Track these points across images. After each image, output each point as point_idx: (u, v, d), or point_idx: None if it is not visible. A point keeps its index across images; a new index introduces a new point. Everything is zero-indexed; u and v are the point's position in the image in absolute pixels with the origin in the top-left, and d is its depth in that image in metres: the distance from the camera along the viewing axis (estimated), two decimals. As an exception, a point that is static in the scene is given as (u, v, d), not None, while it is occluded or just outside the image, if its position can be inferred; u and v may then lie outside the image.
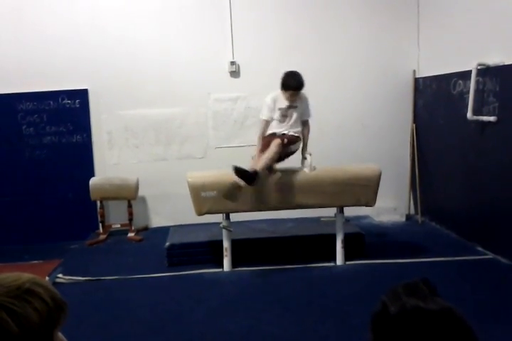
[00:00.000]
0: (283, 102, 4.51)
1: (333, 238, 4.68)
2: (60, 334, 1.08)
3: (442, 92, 5.62)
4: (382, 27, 6.20)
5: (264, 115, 4.54)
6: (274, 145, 4.34)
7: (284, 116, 4.53)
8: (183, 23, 6.04)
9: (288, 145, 4.48)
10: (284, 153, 4.51)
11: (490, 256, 4.76)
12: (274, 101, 4.52)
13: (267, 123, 4.56)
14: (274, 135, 4.53)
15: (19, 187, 5.94)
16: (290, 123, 4.54)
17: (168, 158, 6.18)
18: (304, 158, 4.64)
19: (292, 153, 4.62)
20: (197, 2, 6.06)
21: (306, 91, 6.11)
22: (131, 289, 4.33)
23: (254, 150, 4.57)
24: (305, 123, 4.66)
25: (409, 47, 6.24)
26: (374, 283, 4.13)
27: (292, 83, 4.41)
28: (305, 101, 4.61)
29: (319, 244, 4.86)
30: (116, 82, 5.98)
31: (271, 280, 4.39)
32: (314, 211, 5.13)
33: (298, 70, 6.09)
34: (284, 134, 4.52)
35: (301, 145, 4.67)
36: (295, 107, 4.53)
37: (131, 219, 5.94)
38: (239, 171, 4.20)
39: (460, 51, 5.26)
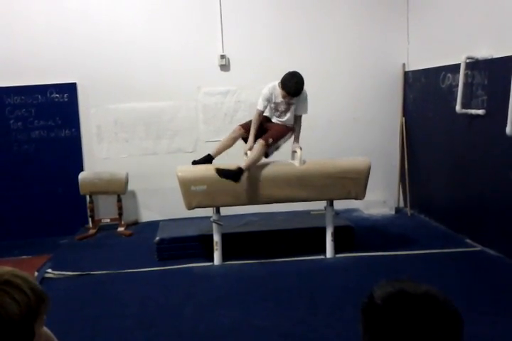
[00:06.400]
0: (279, 97, 4.49)
1: (323, 231, 4.70)
2: (45, 328, 1.07)
3: (431, 86, 5.64)
4: (372, 21, 6.20)
5: (260, 105, 4.53)
6: (258, 147, 4.38)
7: (280, 111, 4.57)
8: (173, 16, 5.99)
9: (275, 143, 4.52)
10: (273, 148, 4.57)
11: (478, 248, 4.80)
12: (271, 93, 4.50)
13: (261, 113, 4.56)
14: (269, 121, 4.58)
15: (7, 182, 5.89)
16: (285, 118, 4.59)
17: (158, 152, 6.16)
18: (293, 151, 4.65)
19: (279, 147, 4.67)
20: (186, -5, 6.03)
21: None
22: (121, 283, 4.32)
23: (246, 147, 4.56)
24: (297, 119, 4.65)
25: (398, 40, 6.25)
26: (363, 275, 4.16)
27: (290, 88, 4.36)
28: (303, 97, 4.54)
29: (309, 237, 4.88)
30: (105, 76, 5.93)
31: (261, 273, 4.40)
32: (304, 204, 5.14)
33: (287, 62, 6.12)
34: (272, 127, 4.55)
35: (289, 139, 4.70)
36: (292, 103, 4.54)
37: (120, 214, 5.92)
38: (222, 173, 4.30)
39: (449, 45, 5.27)
